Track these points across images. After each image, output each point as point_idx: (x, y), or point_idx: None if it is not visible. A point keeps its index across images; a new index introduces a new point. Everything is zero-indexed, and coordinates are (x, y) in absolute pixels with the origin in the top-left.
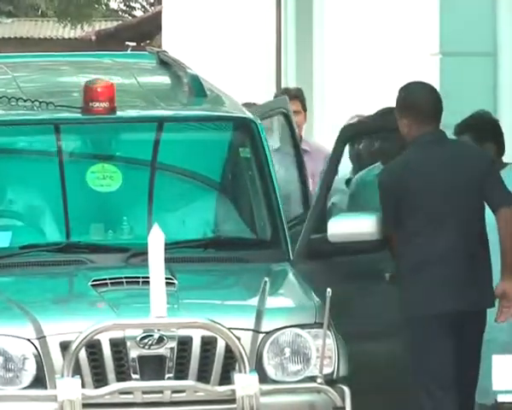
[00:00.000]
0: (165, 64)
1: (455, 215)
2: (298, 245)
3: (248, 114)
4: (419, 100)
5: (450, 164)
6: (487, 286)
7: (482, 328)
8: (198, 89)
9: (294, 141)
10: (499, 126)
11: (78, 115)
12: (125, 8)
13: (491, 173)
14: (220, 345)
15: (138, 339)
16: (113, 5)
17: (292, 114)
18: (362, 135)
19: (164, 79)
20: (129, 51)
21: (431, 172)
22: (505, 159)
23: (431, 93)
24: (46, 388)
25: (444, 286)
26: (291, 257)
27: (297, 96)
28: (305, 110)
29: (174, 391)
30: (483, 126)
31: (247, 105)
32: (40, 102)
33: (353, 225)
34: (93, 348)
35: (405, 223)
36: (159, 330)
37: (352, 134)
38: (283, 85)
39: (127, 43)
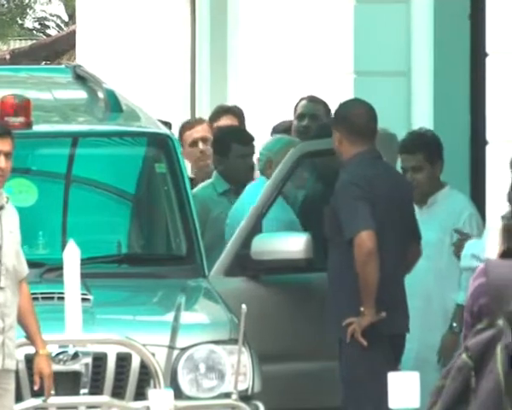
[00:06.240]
0: (81, 79)
1: (396, 237)
2: (223, 258)
3: (164, 130)
4: (354, 116)
5: (393, 184)
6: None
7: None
8: (114, 104)
9: None
10: (442, 144)
11: None
12: (39, 27)
13: (413, 203)
14: (135, 361)
15: (53, 355)
16: (28, 24)
17: None
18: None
19: (80, 94)
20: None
21: (383, 189)
22: None
23: (368, 112)
24: None
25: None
26: (206, 273)
27: (230, 110)
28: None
29: (89, 407)
30: (435, 147)
31: None
32: None
33: (279, 243)
34: None
35: None
36: (74, 346)
37: (300, 155)
38: (198, 102)
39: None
